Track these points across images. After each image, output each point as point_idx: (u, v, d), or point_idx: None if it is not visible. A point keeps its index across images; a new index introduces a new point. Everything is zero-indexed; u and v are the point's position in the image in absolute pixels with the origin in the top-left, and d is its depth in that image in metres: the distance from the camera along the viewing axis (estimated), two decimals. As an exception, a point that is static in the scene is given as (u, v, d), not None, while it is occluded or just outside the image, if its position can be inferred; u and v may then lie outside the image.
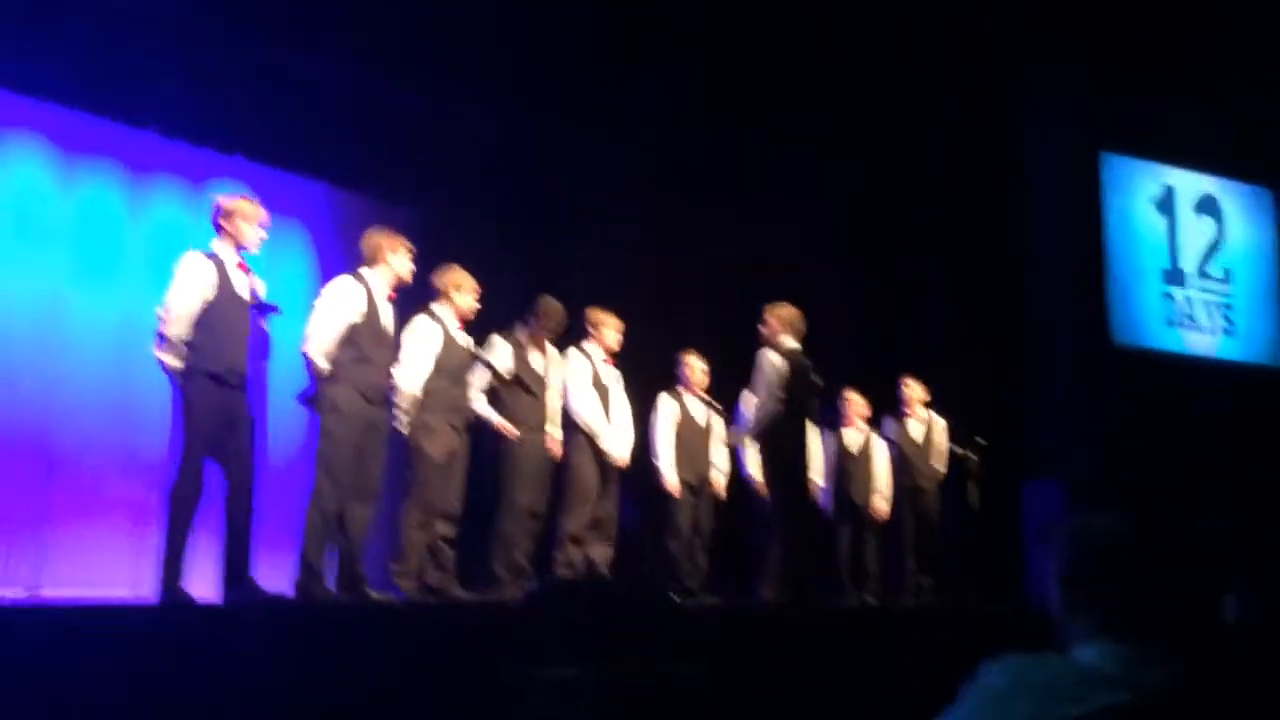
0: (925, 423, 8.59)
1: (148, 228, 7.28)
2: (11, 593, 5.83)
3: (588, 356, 7.01)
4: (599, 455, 6.88)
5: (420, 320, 6.20)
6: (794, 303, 7.03)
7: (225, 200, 5.41)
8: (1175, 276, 10.84)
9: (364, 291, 5.71)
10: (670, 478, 7.50)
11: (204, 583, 5.38)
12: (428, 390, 6.07)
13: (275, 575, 5.62)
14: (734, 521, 8.02)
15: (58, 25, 6.55)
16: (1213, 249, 11.08)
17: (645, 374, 7.88)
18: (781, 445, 6.82)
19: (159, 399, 5.26)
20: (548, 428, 6.71)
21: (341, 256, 7.19)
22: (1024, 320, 10.24)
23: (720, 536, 7.73)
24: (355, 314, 5.64)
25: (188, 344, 5.14)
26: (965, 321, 10.21)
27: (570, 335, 7.09)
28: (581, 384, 6.91)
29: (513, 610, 5.12)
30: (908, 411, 8.59)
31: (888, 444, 8.53)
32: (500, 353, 6.58)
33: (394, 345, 5.90)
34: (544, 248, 8.45)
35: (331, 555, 5.64)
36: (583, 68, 8.34)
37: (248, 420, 5.25)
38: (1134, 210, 10.73)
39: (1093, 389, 10.06)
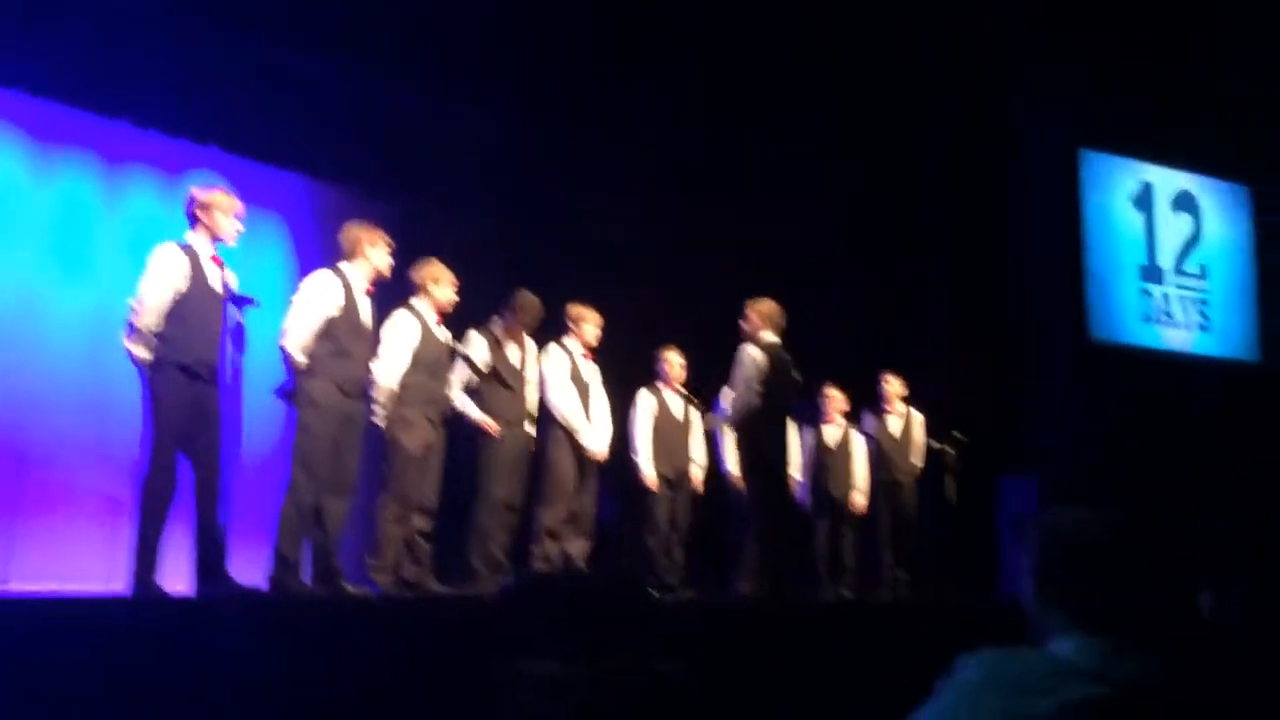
0: (904, 418, 8.62)
1: (122, 219, 7.23)
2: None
3: (567, 351, 7.00)
4: (576, 449, 6.87)
5: (398, 314, 6.18)
6: (775, 298, 7.04)
7: (200, 192, 5.38)
8: (1153, 273, 10.91)
9: (342, 285, 5.69)
10: (648, 472, 7.50)
11: (178, 577, 5.34)
12: (405, 384, 6.05)
13: (251, 569, 5.59)
14: (712, 516, 8.02)
15: (32, 16, 6.49)
16: (1190, 245, 11.15)
17: (625, 369, 7.87)
18: (759, 439, 6.82)
19: (133, 392, 5.22)
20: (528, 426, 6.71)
21: (320, 250, 7.16)
22: (1002, 316, 10.28)
23: (698, 531, 7.74)
24: (333, 308, 5.62)
25: (158, 335, 5.11)
26: (944, 318, 10.24)
27: (550, 330, 7.08)
28: (560, 379, 6.90)
29: (489, 605, 5.12)
30: (887, 407, 8.61)
31: (866, 439, 8.55)
32: (477, 347, 6.56)
33: (372, 339, 5.88)
34: (524, 242, 8.42)
35: (307, 549, 5.62)
36: (578, 65, 8.33)
37: (218, 415, 5.22)
38: (1112, 207, 10.79)
39: (1070, 385, 10.11)
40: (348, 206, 7.45)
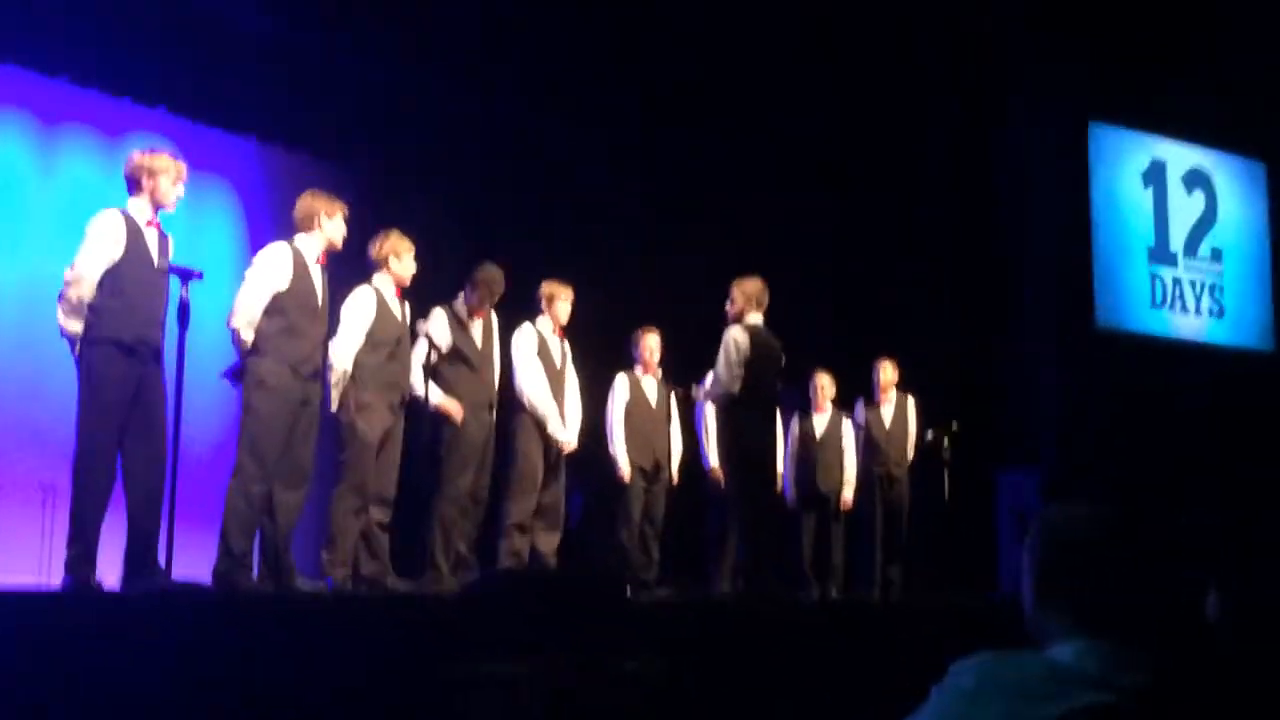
0: (897, 407, 8.63)
1: (58, 185, 7.17)
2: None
3: (538, 331, 6.98)
4: (545, 437, 6.85)
5: (356, 291, 6.16)
6: (762, 277, 7.03)
7: (142, 155, 5.33)
8: (1162, 255, 10.95)
9: (292, 257, 5.65)
10: (623, 463, 7.49)
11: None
12: (361, 365, 6.02)
13: (197, 564, 5.56)
14: (690, 510, 8.03)
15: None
16: (1203, 226, 11.19)
17: (599, 352, 7.87)
18: (742, 428, 6.82)
19: (67, 371, 5.18)
20: None
21: (271, 219, 7.12)
22: (1003, 301, 10.31)
23: (675, 526, 7.74)
24: (283, 282, 5.58)
25: (93, 309, 5.06)
26: (942, 302, 10.27)
27: (522, 310, 7.06)
28: (529, 360, 6.88)
29: (452, 603, 5.11)
30: (879, 395, 8.63)
31: (856, 428, 8.57)
32: (439, 325, 6.53)
33: (327, 317, 5.85)
34: (492, 213, 8.39)
35: (257, 543, 5.59)
36: (567, 48, 8.33)
37: (160, 397, 5.18)
38: (1121, 184, 10.82)
39: (1073, 373, 10.15)
40: (301, 172, 7.41)
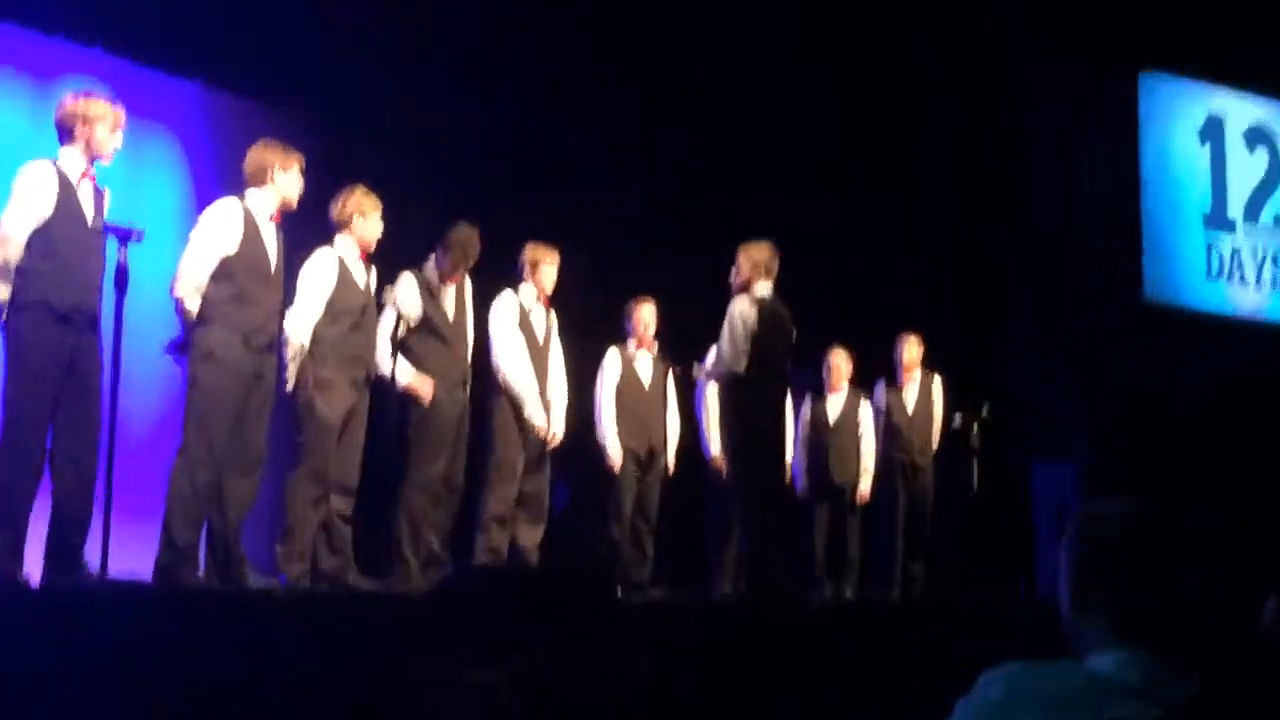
0: (922, 388, 8.64)
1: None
2: None
3: (519, 301, 6.97)
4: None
5: (315, 254, 6.15)
6: (771, 242, 7.03)
7: (75, 101, 5.31)
8: (1220, 222, 10.96)
9: (242, 216, 5.64)
10: (613, 448, 7.50)
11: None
12: (321, 337, 6.02)
13: (136, 557, 5.57)
14: (689, 501, 8.05)
15: None
16: (1265, 189, 11.19)
17: (589, 325, 7.86)
18: (748, 410, 6.83)
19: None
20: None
21: (218, 172, 7.09)
22: (1040, 272, 10.31)
23: (672, 519, 7.76)
24: (232, 244, 5.57)
25: (20, 271, 5.05)
26: (972, 272, 10.27)
27: (503, 275, 7.05)
28: (509, 334, 6.87)
29: (422, 602, 5.12)
30: (902, 375, 8.64)
31: (876, 412, 8.58)
32: (408, 293, 6.51)
33: (282, 283, 5.84)
34: (469, 170, 8.37)
35: (204, 534, 5.59)
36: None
37: (95, 371, 5.18)
38: (1174, 142, 10.82)
39: (1118, 353, 10.16)
40: (253, 120, 7.36)
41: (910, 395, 8.62)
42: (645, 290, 7.83)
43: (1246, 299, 10.95)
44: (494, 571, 5.81)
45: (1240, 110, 11.11)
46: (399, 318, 6.31)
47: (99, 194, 5.33)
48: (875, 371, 8.71)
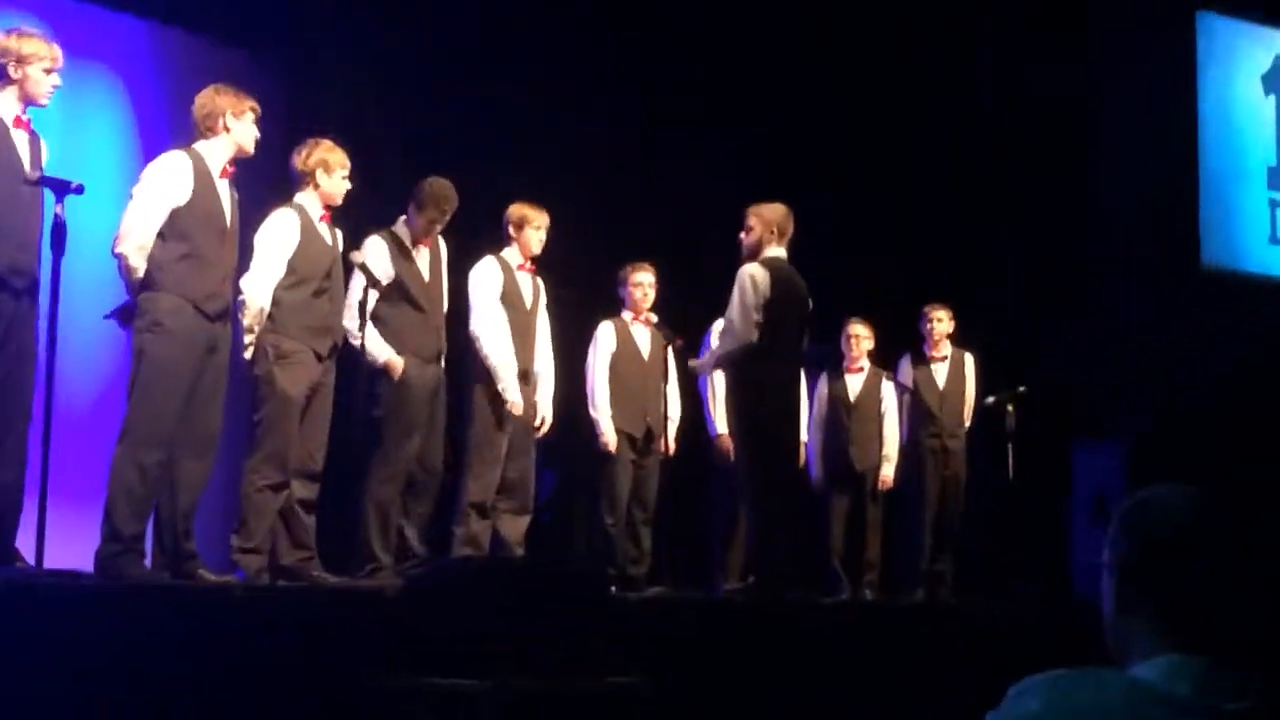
0: (953, 364, 8.64)
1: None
2: None
3: (503, 267, 6.97)
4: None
5: (276, 213, 6.14)
6: (785, 203, 7.03)
7: (6, 38, 5.30)
8: (1286, 179, 10.96)
9: (192, 167, 5.63)
10: (607, 430, 7.51)
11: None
12: (281, 304, 6.01)
13: (75, 547, 5.58)
14: (690, 488, 8.06)
15: None
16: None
17: (581, 294, 7.86)
18: (759, 389, 6.83)
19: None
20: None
21: (168, 119, 7.08)
22: (1084, 235, 10.30)
23: (671, 508, 7.77)
24: (180, 196, 5.56)
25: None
26: (1007, 236, 10.26)
27: (484, 238, 7.05)
28: (489, 302, 6.86)
29: (394, 599, 5.13)
30: (931, 351, 8.64)
31: (901, 391, 8.58)
32: (378, 254, 6.51)
33: (237, 242, 5.84)
34: (445, 120, 8.35)
35: (152, 523, 5.59)
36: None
37: (31, 340, 5.17)
38: (1236, 90, 10.80)
39: (1172, 324, 10.16)
40: (204, 62, 7.35)
41: (940, 372, 8.62)
42: (643, 255, 7.82)
43: (1315, 265, 10.96)
44: (473, 566, 5.81)
45: (1310, 55, 11.10)
46: (369, 283, 6.29)
47: (35, 142, 5.32)
48: (897, 348, 8.70)
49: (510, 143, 8.42)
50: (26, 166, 5.22)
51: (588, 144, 8.78)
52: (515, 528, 6.94)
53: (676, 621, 6.00)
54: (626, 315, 7.73)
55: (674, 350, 7.40)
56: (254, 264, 5.99)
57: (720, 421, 7.68)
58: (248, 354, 5.97)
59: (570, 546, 8.54)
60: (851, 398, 8.47)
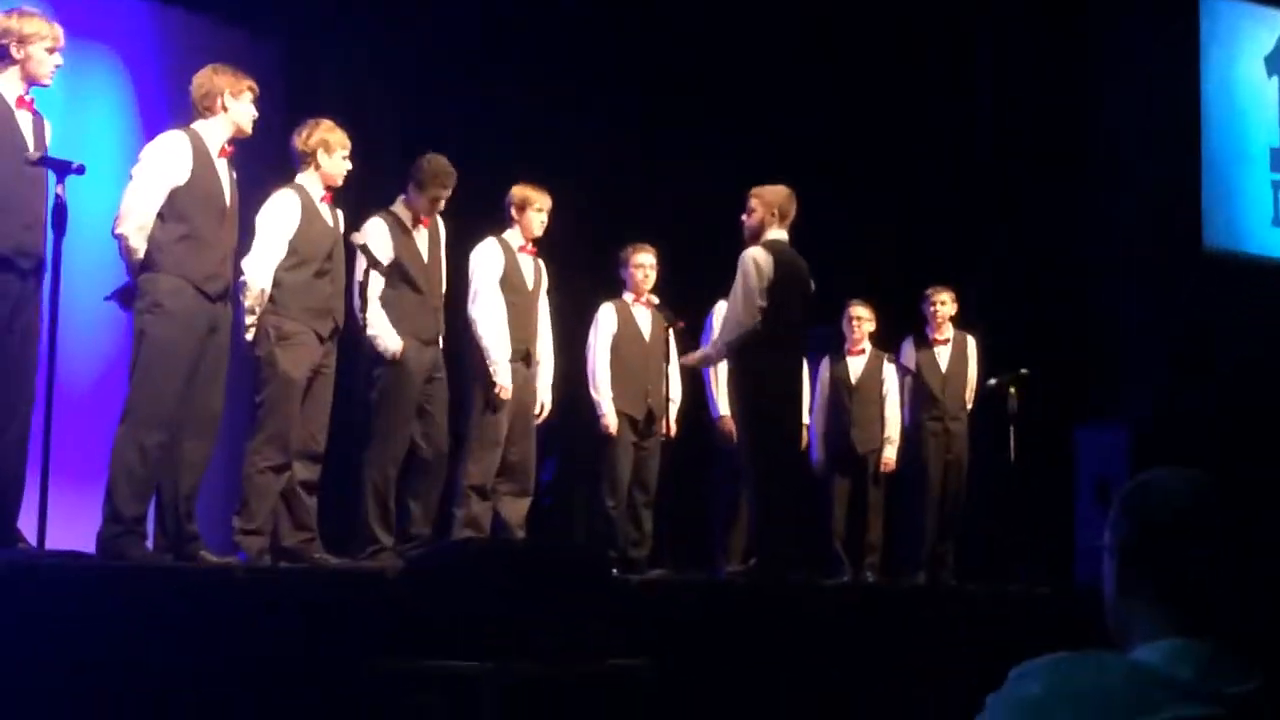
0: (956, 347, 8.63)
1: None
2: None
3: (504, 249, 6.96)
4: (513, 380, 6.85)
5: (277, 194, 6.13)
6: (788, 185, 7.02)
7: (7, 18, 5.29)
8: (1290, 160, 10.93)
9: (191, 147, 5.63)
10: (608, 412, 7.51)
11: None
12: (283, 284, 6.01)
13: (77, 530, 5.58)
14: (692, 470, 8.05)
15: None
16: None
17: (582, 276, 7.85)
18: (761, 372, 6.83)
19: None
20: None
21: (168, 99, 7.07)
22: (1087, 215, 10.29)
23: (673, 490, 7.77)
24: (180, 176, 5.56)
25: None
26: (1009, 216, 10.25)
27: (485, 220, 7.03)
28: (489, 285, 6.85)
29: (394, 581, 5.13)
30: (934, 334, 8.63)
31: (902, 373, 8.58)
32: (379, 235, 6.50)
33: (237, 222, 5.83)
34: (447, 101, 8.33)
35: (153, 505, 5.59)
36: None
37: (35, 321, 5.18)
38: (1239, 71, 10.77)
39: (1174, 307, 10.15)
40: (205, 41, 7.34)
41: (943, 355, 8.61)
42: (644, 236, 7.81)
43: (1317, 247, 10.93)
44: (474, 548, 5.81)
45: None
46: (370, 263, 6.28)
47: (39, 122, 5.32)
48: (899, 328, 8.70)
49: (510, 124, 8.40)
50: (31, 147, 5.22)
51: (589, 125, 8.77)
52: (516, 510, 6.95)
53: (678, 604, 6.00)
54: (628, 297, 7.72)
55: (675, 332, 7.41)
56: (255, 245, 5.99)
57: (722, 403, 7.68)
58: (249, 335, 5.98)
59: (571, 529, 8.55)
60: (853, 380, 8.47)
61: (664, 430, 7.54)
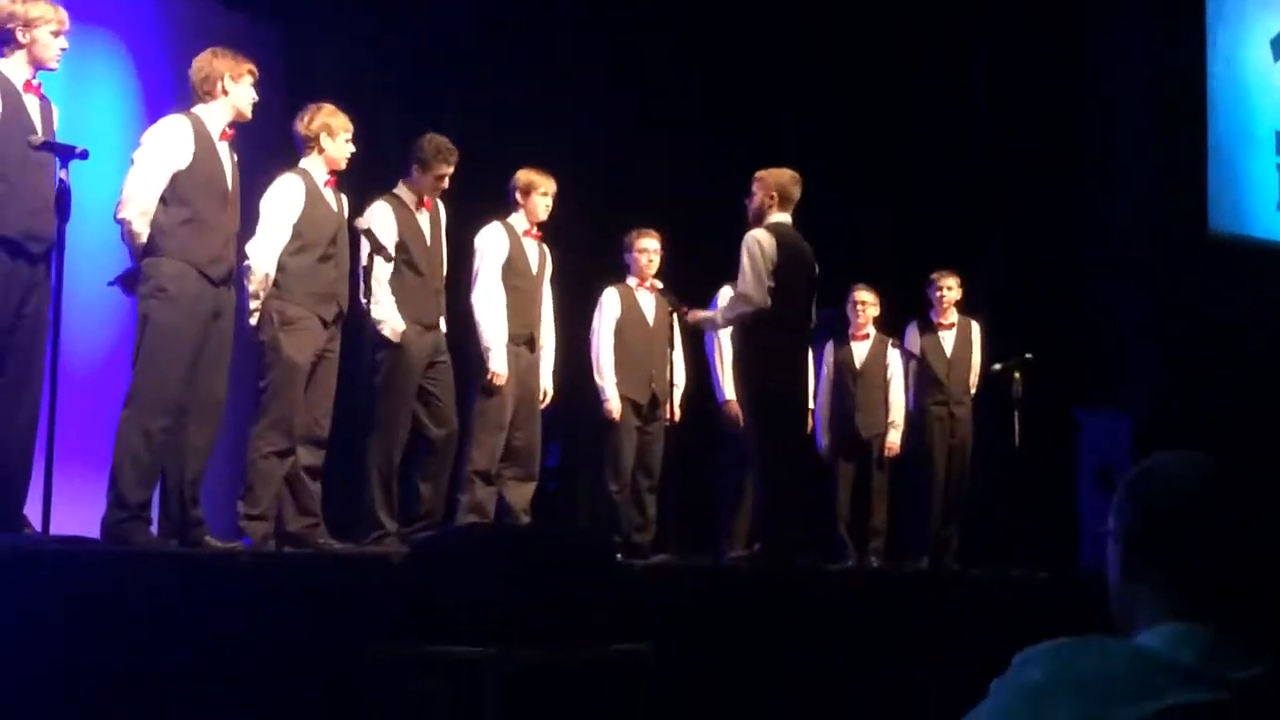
0: (960, 332, 8.63)
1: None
2: None
3: (508, 233, 6.95)
4: (517, 365, 6.85)
5: (281, 178, 6.13)
6: (791, 168, 7.02)
7: (13, 3, 5.28)
8: (1295, 145, 10.91)
9: (192, 131, 5.62)
10: (612, 397, 7.51)
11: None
12: (287, 269, 6.00)
13: (82, 515, 5.59)
14: (696, 455, 8.06)
15: None
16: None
17: (585, 260, 7.85)
18: (765, 356, 6.83)
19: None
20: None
21: (172, 83, 7.06)
22: (1090, 201, 10.27)
23: (677, 475, 7.78)
24: (182, 159, 5.55)
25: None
26: (1014, 201, 10.23)
27: (489, 204, 7.03)
28: (492, 271, 6.85)
29: (399, 566, 5.14)
30: (938, 318, 8.63)
31: (907, 358, 8.58)
32: (383, 219, 6.49)
33: (239, 206, 5.82)
34: (450, 85, 8.32)
35: (158, 490, 5.60)
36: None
37: (44, 308, 5.17)
38: (1244, 54, 10.75)
39: (1179, 291, 10.14)
40: (207, 25, 7.33)
41: (948, 340, 8.61)
42: (647, 221, 7.81)
43: (1323, 230, 10.92)
44: (478, 533, 5.82)
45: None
46: (375, 248, 6.28)
47: (46, 106, 5.31)
48: (903, 313, 8.69)
49: (512, 109, 8.38)
50: (39, 132, 5.22)
51: (592, 108, 8.76)
52: (520, 495, 6.95)
53: (682, 589, 6.01)
54: (631, 281, 7.72)
55: (679, 317, 7.41)
56: (259, 229, 5.98)
57: (728, 387, 7.68)
58: (253, 320, 5.98)
59: (575, 514, 8.55)
60: (857, 365, 8.47)
61: (667, 415, 7.55)
